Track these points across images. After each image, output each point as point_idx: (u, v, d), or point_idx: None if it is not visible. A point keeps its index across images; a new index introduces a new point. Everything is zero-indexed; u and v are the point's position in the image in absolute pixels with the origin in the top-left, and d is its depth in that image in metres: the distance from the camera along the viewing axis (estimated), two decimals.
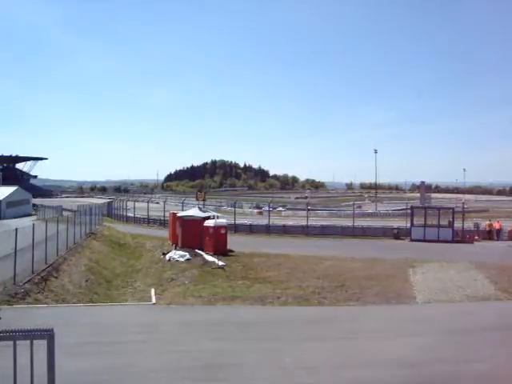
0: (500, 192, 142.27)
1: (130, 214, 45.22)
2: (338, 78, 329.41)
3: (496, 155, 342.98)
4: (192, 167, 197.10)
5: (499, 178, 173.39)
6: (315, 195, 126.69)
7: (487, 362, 7.60)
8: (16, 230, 13.48)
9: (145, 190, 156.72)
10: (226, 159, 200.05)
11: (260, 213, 55.92)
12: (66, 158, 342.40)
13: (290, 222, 38.50)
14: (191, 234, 22.81)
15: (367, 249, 24.27)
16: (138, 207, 46.60)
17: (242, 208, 63.42)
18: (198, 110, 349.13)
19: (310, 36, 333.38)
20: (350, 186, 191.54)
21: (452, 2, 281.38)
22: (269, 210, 40.65)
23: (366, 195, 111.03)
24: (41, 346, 3.19)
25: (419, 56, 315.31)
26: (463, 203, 35.81)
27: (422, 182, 42.66)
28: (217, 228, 22.26)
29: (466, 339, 9.05)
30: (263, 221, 37.41)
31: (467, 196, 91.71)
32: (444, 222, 28.74)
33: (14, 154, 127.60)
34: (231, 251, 22.29)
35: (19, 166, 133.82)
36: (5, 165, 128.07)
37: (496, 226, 30.60)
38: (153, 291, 15.22)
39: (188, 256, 20.49)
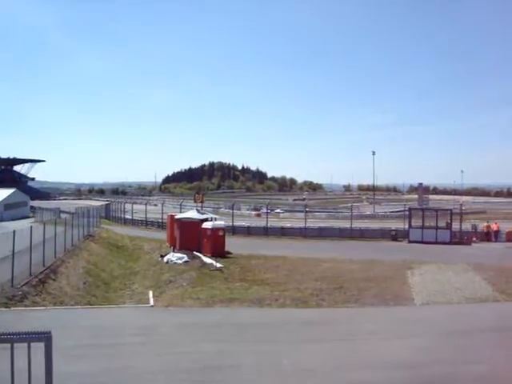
0: (498, 194, 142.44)
1: (128, 216, 45.18)
2: (337, 78, 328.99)
3: (494, 157, 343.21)
4: (190, 169, 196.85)
5: (497, 180, 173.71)
6: (313, 197, 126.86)
7: (485, 363, 7.61)
8: (14, 232, 13.46)
9: (143, 192, 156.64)
10: (224, 161, 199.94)
11: (258, 215, 55.93)
12: (63, 160, 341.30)
13: (288, 224, 38.54)
14: (189, 236, 22.80)
15: (365, 251, 24.29)
16: (136, 209, 46.59)
17: (240, 210, 63.43)
18: (197, 111, 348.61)
19: (310, 36, 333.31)
20: (347, 188, 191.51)
21: (452, 3, 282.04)
22: (267, 212, 40.69)
23: (364, 197, 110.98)
24: (38, 348, 3.18)
25: (418, 57, 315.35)
26: (461, 205, 35.83)
27: (420, 184, 42.55)
28: (215, 230, 22.26)
29: (464, 341, 9.07)
30: (261, 223, 37.42)
31: (465, 198, 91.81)
32: (442, 223, 28.79)
33: (11, 156, 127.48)
34: (229, 253, 22.30)
35: (17, 168, 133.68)
36: (2, 167, 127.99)
37: (494, 227, 30.67)
38: (151, 293, 15.20)
39: (186, 258, 20.49)
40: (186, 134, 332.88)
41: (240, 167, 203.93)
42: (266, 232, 33.30)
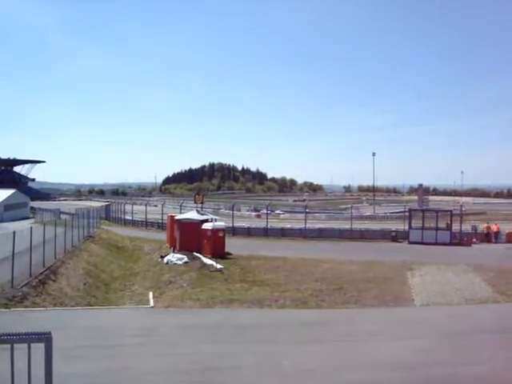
0: (498, 194, 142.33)
1: (128, 217, 45.18)
2: (337, 78, 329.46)
3: (494, 158, 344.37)
4: (190, 170, 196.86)
5: (497, 181, 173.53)
6: (313, 198, 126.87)
7: (485, 364, 7.61)
8: (14, 233, 13.47)
9: (143, 192, 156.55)
10: (224, 162, 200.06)
11: (258, 216, 55.91)
12: (63, 161, 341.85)
13: (288, 225, 38.52)
14: (189, 237, 22.80)
15: (365, 251, 24.28)
16: (136, 210, 46.60)
17: (240, 211, 63.42)
18: (197, 111, 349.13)
19: (310, 36, 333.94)
20: (347, 189, 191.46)
21: (452, 3, 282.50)
22: (267, 213, 40.69)
23: (364, 198, 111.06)
24: (38, 349, 3.19)
25: (418, 57, 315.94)
26: (461, 206, 35.85)
27: (420, 185, 42.58)
28: (215, 231, 22.27)
29: (464, 342, 9.06)
30: (261, 224, 37.42)
31: (465, 198, 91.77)
32: (442, 224, 28.77)
33: (11, 157, 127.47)
34: (229, 254, 22.30)
35: (17, 168, 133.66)
36: (3, 168, 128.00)
37: (494, 228, 30.65)
38: (151, 294, 15.20)
39: (186, 259, 20.48)
40: (186, 135, 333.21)
41: (240, 168, 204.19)
42: (266, 233, 33.30)
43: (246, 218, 51.25)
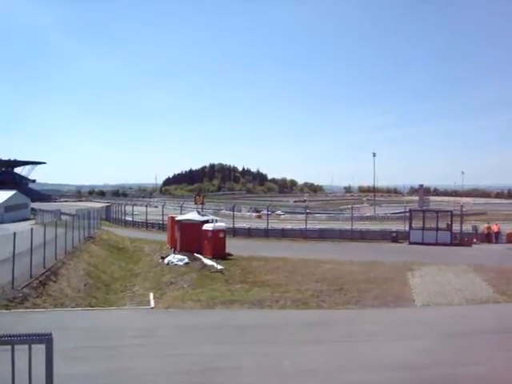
0: (498, 195, 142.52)
1: (129, 218, 45.20)
2: (337, 79, 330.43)
3: (494, 158, 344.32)
4: (190, 171, 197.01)
5: (497, 181, 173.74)
6: (313, 199, 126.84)
7: (486, 364, 7.61)
8: (14, 234, 13.47)
9: (143, 193, 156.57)
10: (224, 163, 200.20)
11: (259, 216, 55.92)
12: (64, 162, 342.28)
13: (289, 226, 38.53)
14: (190, 238, 22.81)
15: (366, 252, 24.27)
16: (137, 211, 46.63)
17: (240, 212, 63.45)
18: (198, 112, 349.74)
19: (310, 37, 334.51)
20: (348, 190, 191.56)
21: (450, 4, 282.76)
22: (267, 214, 40.66)
23: (365, 198, 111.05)
24: (39, 350, 3.19)
25: (417, 58, 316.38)
26: (461, 206, 35.80)
27: (421, 185, 42.57)
28: (215, 232, 22.27)
29: (464, 342, 9.06)
30: (262, 224, 37.44)
31: (465, 199, 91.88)
32: (442, 225, 28.75)
33: (12, 158, 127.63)
34: (230, 255, 22.30)
35: (17, 170, 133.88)
36: (3, 169, 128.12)
37: (494, 228, 30.61)
38: (151, 295, 15.19)
39: (187, 260, 20.49)
40: (187, 135, 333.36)
41: (240, 169, 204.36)
42: (266, 234, 33.31)
43: (246, 219, 51.28)
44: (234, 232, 32.49)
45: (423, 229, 28.70)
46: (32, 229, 16.11)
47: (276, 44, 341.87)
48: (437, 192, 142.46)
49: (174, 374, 7.15)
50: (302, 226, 33.80)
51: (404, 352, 8.27)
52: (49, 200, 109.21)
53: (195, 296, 14.15)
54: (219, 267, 18.71)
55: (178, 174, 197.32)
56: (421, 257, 21.65)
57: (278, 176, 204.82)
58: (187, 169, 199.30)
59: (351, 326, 10.78)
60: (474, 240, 29.50)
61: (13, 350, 3.17)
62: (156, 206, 58.96)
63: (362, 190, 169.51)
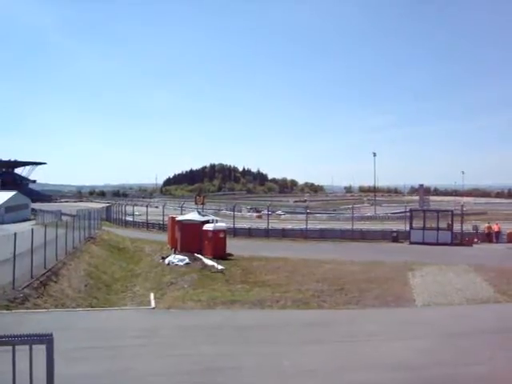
0: (498, 194, 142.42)
1: (129, 218, 45.20)
2: (337, 79, 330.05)
3: (495, 158, 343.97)
4: (191, 171, 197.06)
5: (498, 181, 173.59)
6: (314, 199, 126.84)
7: (486, 364, 7.61)
8: (15, 234, 13.48)
9: (143, 194, 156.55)
10: (224, 163, 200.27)
11: (259, 216, 55.88)
12: (64, 162, 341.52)
13: (289, 226, 38.52)
14: (190, 238, 22.81)
15: (366, 252, 24.27)
16: (137, 211, 46.62)
17: (241, 212, 63.44)
18: (198, 112, 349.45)
19: (310, 37, 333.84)
20: (348, 190, 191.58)
21: (450, 4, 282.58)
22: (268, 214, 40.64)
23: (365, 198, 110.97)
24: (40, 350, 3.20)
25: (417, 58, 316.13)
26: (462, 206, 35.78)
27: (421, 185, 42.64)
28: (216, 232, 22.28)
29: (465, 342, 9.06)
30: (262, 224, 37.42)
31: (466, 199, 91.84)
32: (443, 224, 28.73)
33: (12, 159, 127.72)
34: (230, 255, 22.30)
35: (18, 170, 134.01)
36: (4, 169, 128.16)
37: (495, 228, 30.61)
38: (152, 295, 15.19)
39: (187, 260, 20.49)
40: (187, 136, 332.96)
41: (241, 169, 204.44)
42: (267, 234, 33.30)
43: (246, 219, 51.26)
44: (235, 232, 32.48)
45: (424, 229, 28.69)
46: (32, 229, 16.12)
47: (276, 44, 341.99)
48: (437, 192, 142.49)
49: (174, 374, 7.16)
50: (303, 226, 33.79)
51: (404, 352, 8.27)
52: (49, 200, 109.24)
53: (196, 296, 14.15)
54: (220, 267, 18.71)
55: (179, 174, 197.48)
56: (421, 257, 21.64)
57: (278, 176, 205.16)
58: (187, 169, 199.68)
59: (352, 325, 10.78)
60: (475, 240, 29.47)
61: (14, 351, 3.18)
62: (156, 207, 58.87)
63: (362, 189, 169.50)
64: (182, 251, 22.49)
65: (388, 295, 13.87)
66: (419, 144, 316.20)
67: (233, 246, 23.94)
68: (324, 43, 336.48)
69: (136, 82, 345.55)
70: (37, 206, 68.86)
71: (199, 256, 21.29)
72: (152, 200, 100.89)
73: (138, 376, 7.05)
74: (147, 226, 41.68)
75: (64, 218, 42.61)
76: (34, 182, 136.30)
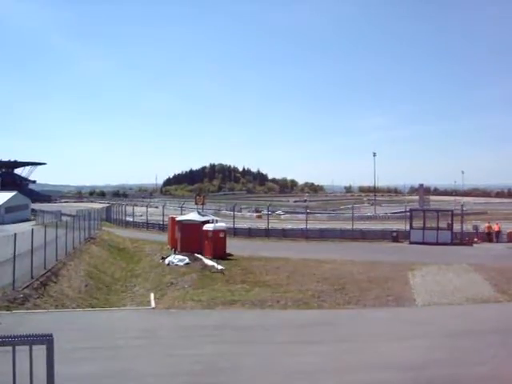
0: (498, 194, 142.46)
1: (129, 219, 45.19)
2: (337, 79, 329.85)
3: (494, 157, 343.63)
4: (191, 171, 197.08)
5: (498, 181, 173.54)
6: (314, 199, 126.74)
7: (487, 364, 7.60)
8: (15, 235, 13.46)
9: (143, 194, 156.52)
10: (224, 163, 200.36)
11: (259, 216, 55.90)
12: (64, 163, 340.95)
13: (289, 226, 38.54)
14: (190, 238, 22.80)
15: (366, 252, 24.26)
16: (137, 211, 46.60)
17: (241, 212, 63.45)
18: (197, 113, 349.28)
19: (310, 37, 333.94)
20: (348, 190, 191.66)
21: (450, 4, 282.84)
22: (268, 214, 40.64)
23: (365, 198, 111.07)
24: (40, 351, 3.19)
25: (417, 58, 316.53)
26: (462, 206, 35.75)
27: (421, 185, 42.62)
28: (216, 232, 22.26)
29: (465, 341, 9.06)
30: (262, 224, 37.44)
31: (466, 198, 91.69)
32: (443, 224, 28.73)
33: (12, 159, 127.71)
34: (230, 255, 22.29)
35: (18, 171, 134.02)
36: (3, 170, 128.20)
37: (495, 228, 30.61)
38: (152, 296, 15.19)
39: (187, 260, 20.48)
40: (187, 136, 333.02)
41: (241, 169, 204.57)
42: (267, 234, 33.30)
43: (246, 219, 51.26)
44: (235, 232, 32.49)
45: (424, 228, 28.70)
46: (32, 230, 16.11)
47: (276, 44, 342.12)
48: (437, 192, 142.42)
49: (174, 375, 7.15)
50: (303, 226, 33.78)
51: (405, 352, 8.27)
52: (49, 201, 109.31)
53: (196, 296, 14.14)
54: (220, 267, 18.70)
55: (179, 175, 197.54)
56: (421, 256, 21.65)
57: (278, 176, 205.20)
58: (187, 169, 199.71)
59: (352, 325, 10.79)
60: (475, 239, 29.47)
61: (14, 351, 3.18)
62: (156, 207, 58.91)
63: (362, 189, 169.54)
64: (182, 251, 22.49)
65: (388, 295, 13.86)
66: (419, 144, 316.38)
67: (233, 246, 23.94)
68: (324, 43, 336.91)
69: (136, 83, 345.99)
70: (37, 206, 68.88)
71: (199, 256, 21.28)
72: (152, 200, 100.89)
73: (138, 376, 7.04)
74: (147, 226, 41.68)
75: (64, 218, 42.59)
76: (34, 182, 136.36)
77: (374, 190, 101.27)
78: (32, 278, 14.56)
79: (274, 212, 57.87)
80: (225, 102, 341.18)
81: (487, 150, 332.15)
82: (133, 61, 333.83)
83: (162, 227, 38.39)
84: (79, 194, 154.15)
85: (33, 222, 48.78)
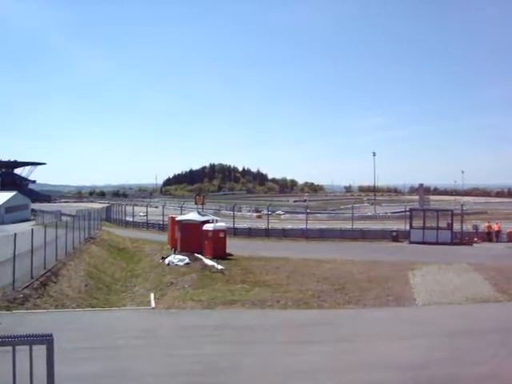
0: (498, 194, 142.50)
1: (129, 219, 45.19)
2: (337, 79, 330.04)
3: (494, 157, 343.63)
4: (191, 171, 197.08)
5: (498, 180, 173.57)
6: (314, 198, 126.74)
7: (487, 363, 7.60)
8: (15, 235, 13.46)
9: (143, 194, 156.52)
10: (224, 163, 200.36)
11: (259, 216, 55.90)
12: (64, 163, 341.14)
13: (289, 226, 38.53)
14: (190, 238, 22.79)
15: (366, 251, 24.27)
16: (137, 211, 46.60)
17: (240, 212, 63.46)
18: (197, 112, 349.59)
19: (310, 37, 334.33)
20: (348, 189, 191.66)
21: (450, 4, 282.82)
22: (268, 214, 40.63)
23: (365, 198, 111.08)
24: (40, 351, 3.19)
25: (417, 58, 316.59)
26: (462, 205, 35.74)
27: (421, 185, 42.56)
28: (216, 232, 22.26)
29: (465, 341, 9.06)
30: (262, 224, 37.43)
31: (466, 198, 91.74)
32: (443, 224, 28.74)
33: (12, 159, 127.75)
34: (230, 255, 22.29)
35: (18, 170, 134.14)
36: (3, 170, 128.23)
37: (495, 227, 30.61)
38: (152, 295, 15.19)
39: (187, 260, 20.48)
40: (187, 136, 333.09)
41: (241, 169, 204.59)
42: (267, 233, 33.30)
43: (246, 219, 51.25)
44: (235, 232, 32.49)
45: (424, 228, 28.70)
46: (32, 230, 16.11)
47: (276, 44, 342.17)
48: (437, 191, 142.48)
49: (174, 375, 7.15)
50: (303, 226, 33.78)
51: (405, 351, 8.27)
52: (49, 201, 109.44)
53: (196, 296, 14.14)
54: (220, 267, 18.69)
55: (179, 174, 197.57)
56: (421, 256, 21.65)
57: (278, 176, 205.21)
58: (187, 169, 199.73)
59: (352, 325, 10.78)
60: (475, 239, 29.48)
61: (14, 351, 3.17)
62: (156, 207, 58.91)
63: (362, 189, 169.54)
64: (182, 251, 22.48)
65: (388, 295, 13.85)
66: (419, 144, 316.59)
67: (233, 245, 23.93)
68: (324, 43, 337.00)
69: (136, 83, 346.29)
70: (36, 206, 68.96)
71: (199, 256, 21.27)
72: (152, 200, 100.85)
73: (138, 376, 7.03)
74: (147, 226, 41.69)
75: (64, 218, 42.60)
76: (34, 182, 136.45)
77: (373, 190, 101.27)
78: (32, 278, 14.56)
79: (273, 212, 57.87)
80: (225, 102, 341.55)
81: (487, 149, 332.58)
82: (133, 61, 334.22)
83: (161, 227, 38.41)
84: (79, 194, 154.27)
85: (33, 222, 48.80)
